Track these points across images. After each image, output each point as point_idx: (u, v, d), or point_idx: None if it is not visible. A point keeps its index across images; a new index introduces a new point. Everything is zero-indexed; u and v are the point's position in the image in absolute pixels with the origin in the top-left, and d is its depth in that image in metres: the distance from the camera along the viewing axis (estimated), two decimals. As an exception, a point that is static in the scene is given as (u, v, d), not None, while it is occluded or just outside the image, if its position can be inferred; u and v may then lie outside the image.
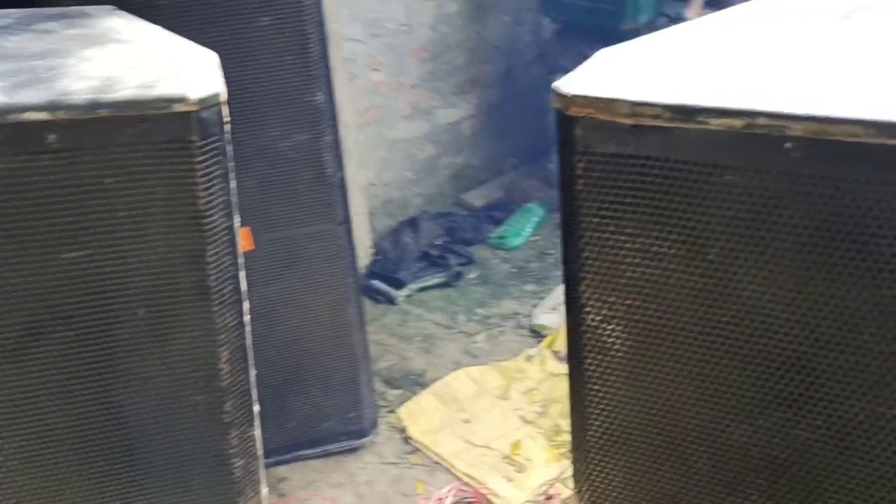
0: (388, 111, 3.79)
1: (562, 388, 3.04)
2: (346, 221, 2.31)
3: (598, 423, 1.28)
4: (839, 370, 1.05)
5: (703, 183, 1.03)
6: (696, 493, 1.23)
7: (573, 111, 1.07)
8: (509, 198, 4.32)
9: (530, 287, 3.65)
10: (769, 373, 1.09)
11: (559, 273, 4.00)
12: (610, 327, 1.19)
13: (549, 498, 2.52)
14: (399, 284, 3.61)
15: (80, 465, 1.32)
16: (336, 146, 2.20)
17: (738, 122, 0.97)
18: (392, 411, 2.95)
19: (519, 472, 2.67)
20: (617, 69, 1.13)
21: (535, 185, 4.39)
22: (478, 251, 3.94)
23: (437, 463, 2.71)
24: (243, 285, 1.38)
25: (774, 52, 1.14)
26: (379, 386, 3.03)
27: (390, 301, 3.57)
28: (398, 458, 2.74)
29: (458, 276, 3.70)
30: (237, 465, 1.46)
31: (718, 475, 1.20)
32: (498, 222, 4.11)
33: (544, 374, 3.12)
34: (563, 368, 3.15)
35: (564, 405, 2.96)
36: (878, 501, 1.08)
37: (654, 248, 1.10)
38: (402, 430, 2.85)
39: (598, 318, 1.19)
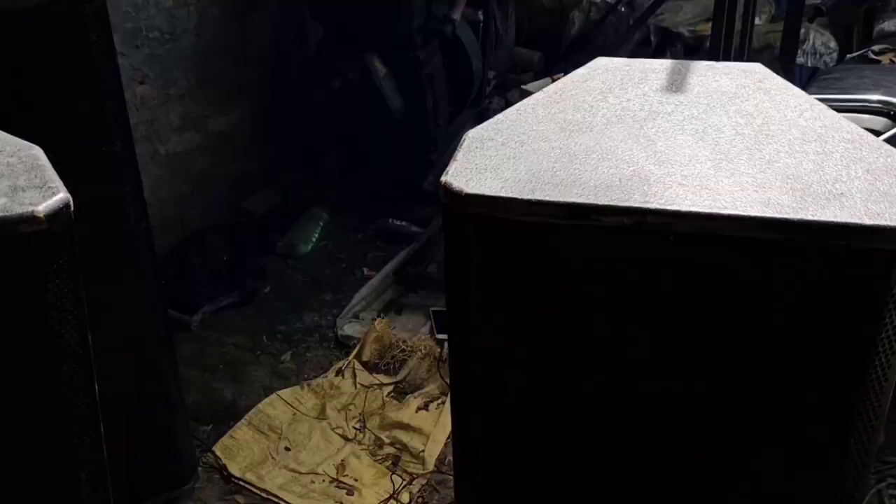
0: (159, 125, 3.55)
1: (376, 398, 3.08)
2: (154, 272, 2.16)
3: (482, 484, 1.32)
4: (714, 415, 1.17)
5: (592, 271, 1.09)
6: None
7: (466, 210, 1.08)
8: (291, 202, 4.23)
9: (328, 296, 3.62)
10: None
11: (354, 278, 3.98)
12: (497, 399, 1.23)
13: (385, 518, 2.56)
14: (191, 309, 3.43)
15: None
16: (139, 195, 2.03)
17: (628, 220, 1.04)
18: (207, 450, 2.82)
19: (350, 494, 2.67)
20: (493, 160, 1.15)
21: (315, 188, 4.33)
22: (269, 263, 3.84)
23: (265, 500, 2.64)
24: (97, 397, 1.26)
25: (624, 135, 1.22)
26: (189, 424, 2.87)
27: (184, 328, 3.38)
28: (222, 500, 2.63)
29: (254, 292, 3.58)
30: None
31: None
32: (283, 230, 4.02)
33: (357, 388, 3.13)
34: (374, 379, 3.19)
35: (382, 417, 3.00)
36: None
37: (545, 329, 1.15)
38: (222, 470, 2.74)
39: (486, 392, 1.23)
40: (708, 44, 4.88)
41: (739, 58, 2.94)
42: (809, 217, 1.00)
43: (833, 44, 4.88)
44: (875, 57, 2.64)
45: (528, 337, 1.16)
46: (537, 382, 1.19)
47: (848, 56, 2.85)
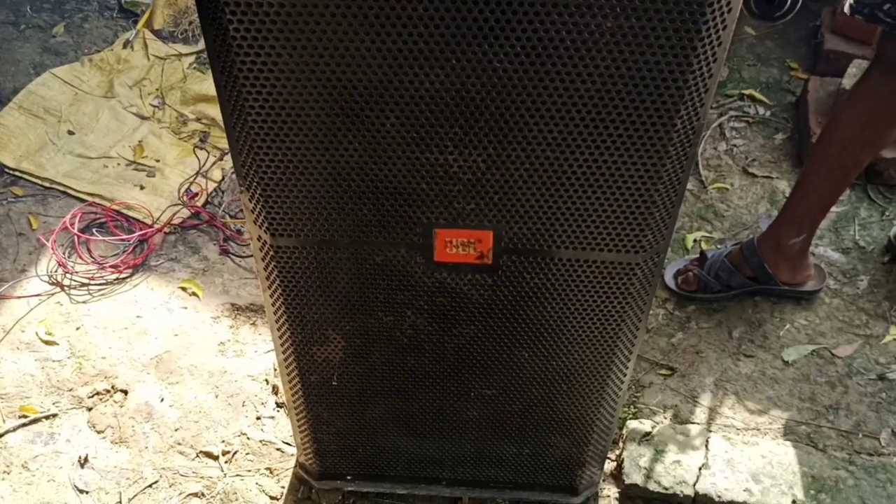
0: None
1: (175, 71, 2.64)
2: None
3: (255, 111, 1.00)
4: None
5: None
6: (383, 150, 1.05)
7: None
8: None
9: (105, -43, 3.00)
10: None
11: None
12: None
13: (193, 196, 2.26)
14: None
15: None
16: None
17: None
18: (-30, 141, 2.37)
19: (151, 176, 2.33)
20: None
21: None
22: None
23: (48, 189, 2.26)
24: None
25: None
26: (-59, 114, 2.38)
27: (-80, 2, 2.73)
28: (-4, 194, 2.25)
29: (7, -45, 2.91)
30: None
31: (409, 133, 1.02)
32: None
33: (150, 60, 2.67)
34: (171, 49, 2.72)
35: (184, 91, 2.59)
36: (576, 123, 0.99)
37: None
38: (-8, 162, 2.32)
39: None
40: None
41: None
42: None
43: None
44: None
45: None
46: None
47: None
